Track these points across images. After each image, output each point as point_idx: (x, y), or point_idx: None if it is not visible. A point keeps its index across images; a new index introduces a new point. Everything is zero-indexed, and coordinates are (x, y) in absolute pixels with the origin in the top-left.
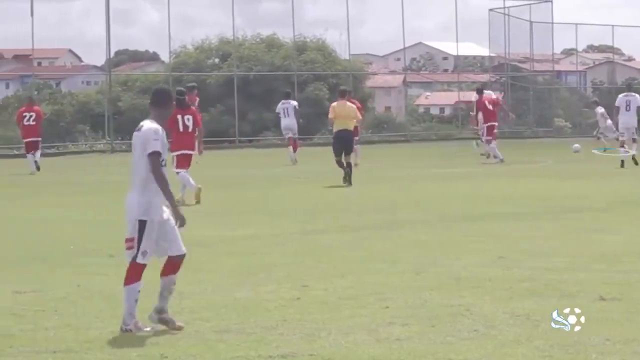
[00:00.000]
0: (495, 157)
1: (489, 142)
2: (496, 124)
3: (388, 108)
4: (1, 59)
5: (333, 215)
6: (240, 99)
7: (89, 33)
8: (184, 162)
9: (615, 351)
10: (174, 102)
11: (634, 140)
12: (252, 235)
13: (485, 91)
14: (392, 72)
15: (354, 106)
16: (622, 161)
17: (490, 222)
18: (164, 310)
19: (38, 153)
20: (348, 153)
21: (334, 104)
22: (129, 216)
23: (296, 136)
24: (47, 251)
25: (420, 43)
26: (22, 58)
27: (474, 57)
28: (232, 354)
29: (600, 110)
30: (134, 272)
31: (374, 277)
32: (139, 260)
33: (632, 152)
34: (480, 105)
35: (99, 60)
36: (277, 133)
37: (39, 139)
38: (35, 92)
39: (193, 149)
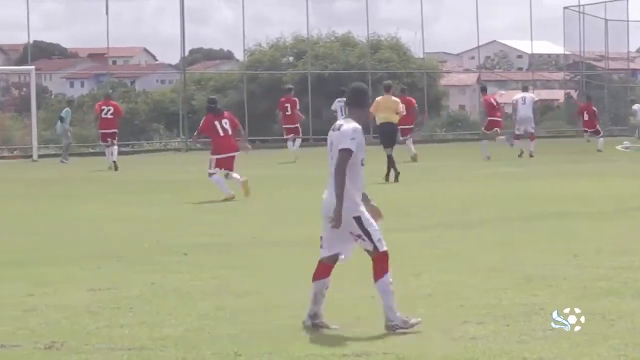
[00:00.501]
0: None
1: (485, 135)
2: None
3: (462, 106)
4: (76, 58)
5: (405, 213)
6: (315, 97)
7: (164, 31)
8: (226, 164)
9: None
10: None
11: None
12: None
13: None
14: (466, 71)
15: (397, 100)
16: None
17: (564, 221)
18: (318, 316)
19: (115, 152)
20: (389, 145)
21: (379, 98)
22: (328, 214)
23: None
24: (122, 249)
25: (494, 41)
26: (97, 57)
27: (549, 55)
28: (306, 352)
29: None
30: (384, 263)
31: (449, 275)
32: (383, 248)
33: None
34: (487, 103)
35: (174, 58)
36: None
37: (116, 130)
38: (110, 91)
39: (236, 150)
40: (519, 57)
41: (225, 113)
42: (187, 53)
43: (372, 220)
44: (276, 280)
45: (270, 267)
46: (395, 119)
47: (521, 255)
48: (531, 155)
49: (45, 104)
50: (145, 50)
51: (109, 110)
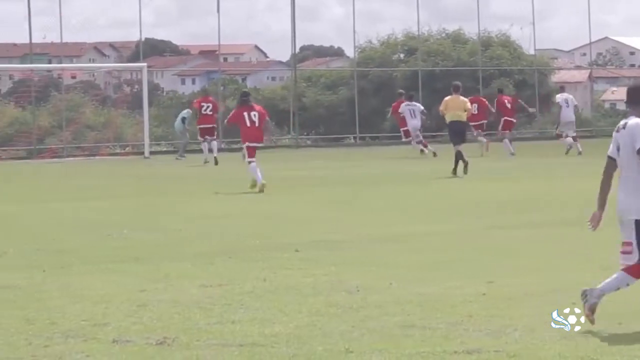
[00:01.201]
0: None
1: (503, 135)
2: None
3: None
4: (188, 55)
5: (516, 210)
6: (425, 94)
7: (274, 28)
8: (252, 152)
9: None
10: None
11: None
12: (436, 231)
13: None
14: (578, 67)
15: (465, 99)
16: None
17: None
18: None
19: (215, 147)
20: (458, 143)
21: (447, 98)
22: (623, 218)
23: (419, 136)
24: (233, 245)
25: (606, 38)
26: (208, 54)
27: None
28: (417, 349)
29: None
30: None
31: (561, 273)
32: None
33: None
34: (499, 104)
35: (284, 55)
36: None
37: (215, 126)
38: (222, 88)
39: (260, 141)
40: (632, 53)
41: (257, 107)
42: (297, 50)
43: None
44: (388, 276)
45: (383, 263)
46: (464, 117)
47: None
48: (580, 153)
49: (157, 101)
50: (256, 47)
51: (208, 106)
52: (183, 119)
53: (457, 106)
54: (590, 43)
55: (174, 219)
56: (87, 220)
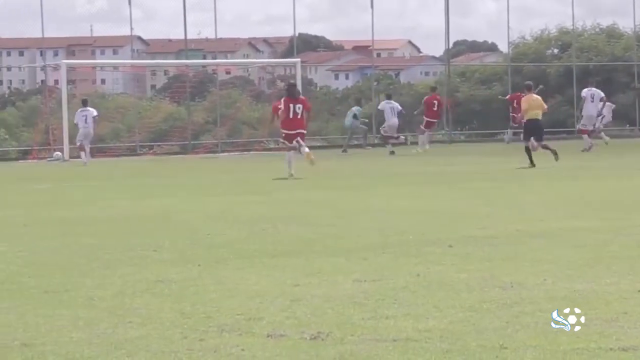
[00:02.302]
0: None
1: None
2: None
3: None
4: (341, 51)
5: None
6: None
7: (428, 24)
8: (294, 138)
9: None
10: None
11: None
12: (592, 227)
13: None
14: None
15: (539, 97)
16: None
17: None
18: None
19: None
20: (539, 139)
21: (526, 96)
22: None
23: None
24: (387, 241)
25: None
26: (361, 49)
27: None
28: (572, 345)
29: None
30: None
31: None
32: None
33: None
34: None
35: (438, 50)
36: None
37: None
38: (375, 83)
39: (303, 129)
40: None
41: (301, 98)
42: (451, 45)
43: None
44: (541, 272)
45: (535, 259)
46: (540, 115)
47: None
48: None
49: (310, 96)
50: (410, 42)
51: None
52: (355, 116)
53: (538, 105)
54: None
55: (328, 213)
56: (242, 214)
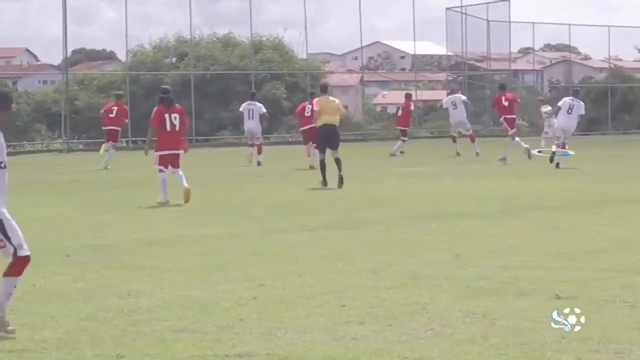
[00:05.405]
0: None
1: (512, 136)
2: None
3: (345, 107)
4: None
5: (292, 214)
6: (197, 99)
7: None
8: (170, 160)
9: (571, 349)
10: (168, 101)
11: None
12: (210, 235)
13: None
14: (349, 71)
15: (337, 101)
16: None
17: (450, 220)
18: None
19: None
20: (334, 148)
21: (316, 99)
22: None
23: (259, 140)
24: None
25: (377, 42)
26: None
27: (432, 56)
28: (189, 353)
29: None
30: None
31: (332, 276)
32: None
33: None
34: (496, 101)
35: (56, 59)
36: (234, 132)
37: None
38: None
39: (181, 148)
40: (402, 57)
41: (178, 107)
42: (69, 53)
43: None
44: (159, 280)
45: (154, 267)
46: (337, 120)
47: (405, 255)
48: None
49: None
50: (28, 50)
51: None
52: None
53: (330, 109)
54: (362, 47)
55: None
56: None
